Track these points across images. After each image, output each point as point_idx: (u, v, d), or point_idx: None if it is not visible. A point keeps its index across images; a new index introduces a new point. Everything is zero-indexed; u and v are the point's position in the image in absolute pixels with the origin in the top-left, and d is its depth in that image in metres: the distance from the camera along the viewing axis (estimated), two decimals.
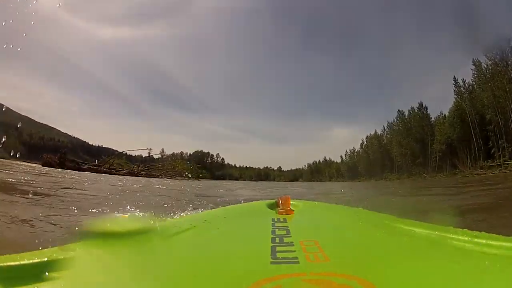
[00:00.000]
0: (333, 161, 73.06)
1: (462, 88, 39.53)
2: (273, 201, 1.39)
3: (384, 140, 57.28)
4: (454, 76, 40.27)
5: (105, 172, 22.77)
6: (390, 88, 77.76)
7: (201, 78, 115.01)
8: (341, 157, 69.46)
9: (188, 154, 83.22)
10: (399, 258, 0.64)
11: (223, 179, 70.35)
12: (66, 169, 19.72)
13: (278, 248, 0.68)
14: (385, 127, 57.04)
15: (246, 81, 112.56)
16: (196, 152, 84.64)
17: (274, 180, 75.68)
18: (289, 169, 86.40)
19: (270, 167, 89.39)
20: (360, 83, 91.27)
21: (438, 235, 0.75)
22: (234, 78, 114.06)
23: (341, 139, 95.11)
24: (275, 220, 1.00)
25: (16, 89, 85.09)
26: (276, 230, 0.85)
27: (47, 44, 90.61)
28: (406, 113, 52.02)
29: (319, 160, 77.75)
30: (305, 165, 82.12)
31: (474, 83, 37.98)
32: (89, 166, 25.11)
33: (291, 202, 1.31)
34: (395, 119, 54.19)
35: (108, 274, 0.57)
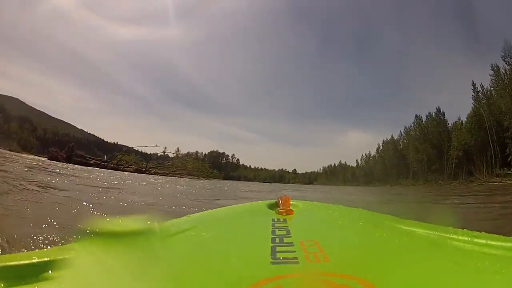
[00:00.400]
0: (349, 165, 72.46)
1: (480, 94, 38.53)
2: (273, 201, 1.39)
3: (400, 145, 56.35)
4: (473, 81, 39.33)
5: (112, 168, 22.63)
6: (407, 93, 77.02)
7: (219, 79, 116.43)
8: (357, 161, 68.85)
9: (203, 154, 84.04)
10: (399, 258, 0.64)
11: (238, 179, 70.59)
12: (73, 164, 19.89)
13: (278, 248, 0.68)
14: (402, 132, 56.04)
15: (263, 83, 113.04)
16: (211, 152, 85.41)
17: (288, 183, 75.38)
18: (304, 171, 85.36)
19: (285, 169, 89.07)
20: (377, 88, 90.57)
21: (438, 235, 0.76)
22: (251, 80, 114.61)
23: (357, 144, 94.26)
24: (275, 220, 1.01)
25: (33, 86, 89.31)
26: (276, 230, 0.86)
27: (66, 43, 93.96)
28: (424, 118, 50.92)
29: (335, 164, 77.09)
30: (320, 168, 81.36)
31: (492, 88, 36.96)
32: (96, 162, 24.77)
33: (291, 202, 1.31)
34: (412, 124, 53.38)
35: (108, 274, 0.57)
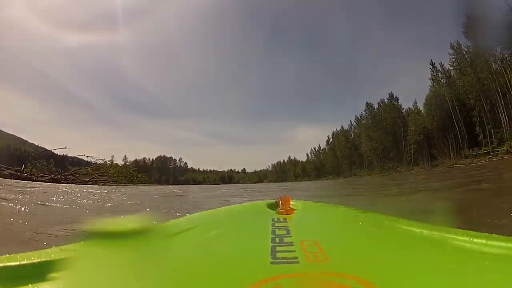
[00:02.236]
0: (299, 160, 69.70)
1: (440, 74, 36.13)
2: (273, 201, 1.37)
3: (351, 136, 53.65)
4: (431, 61, 36.78)
5: (26, 179, 20.24)
6: (357, 85, 76.61)
7: (166, 83, 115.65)
8: (307, 155, 65.64)
9: (151, 159, 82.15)
10: (399, 258, 0.64)
11: (186, 183, 68.87)
12: None
13: (278, 248, 0.67)
14: (352, 122, 53.72)
15: (210, 85, 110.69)
16: (159, 157, 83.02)
17: (238, 183, 71.27)
18: (254, 170, 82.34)
19: (234, 170, 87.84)
20: (326, 82, 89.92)
21: (438, 235, 0.75)
22: (199, 82, 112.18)
23: (306, 139, 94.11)
24: (275, 220, 0.99)
25: None
26: (276, 230, 0.85)
27: (13, 52, 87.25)
28: (376, 106, 48.26)
29: (284, 160, 74.10)
30: (269, 166, 77.46)
31: (452, 68, 34.70)
32: (11, 172, 22.51)
33: (291, 202, 1.29)
34: (363, 112, 50.77)
35: (108, 274, 0.57)
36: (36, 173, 24.94)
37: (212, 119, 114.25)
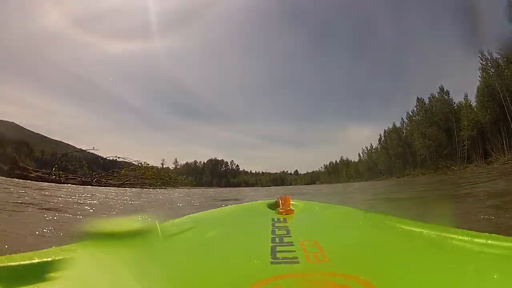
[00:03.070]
0: (351, 160, 68.03)
1: (489, 63, 33.23)
2: (273, 201, 1.38)
3: (403, 133, 51.02)
4: (481, 51, 34.05)
5: (54, 181, 19.60)
6: (407, 80, 72.47)
7: (216, 87, 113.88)
8: (359, 155, 63.99)
9: (202, 162, 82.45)
10: (399, 258, 0.65)
11: (238, 186, 69.22)
12: (12, 178, 17.20)
13: (278, 248, 0.69)
14: (404, 119, 50.94)
15: (261, 87, 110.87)
16: (210, 160, 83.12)
17: (290, 184, 71.52)
18: (306, 172, 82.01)
19: (287, 171, 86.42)
20: (375, 79, 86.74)
21: (438, 235, 0.75)
22: (249, 85, 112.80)
23: (358, 138, 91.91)
24: (275, 220, 1.01)
25: (29, 108, 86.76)
26: (276, 230, 0.86)
27: (59, 62, 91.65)
28: (427, 101, 45.59)
29: (336, 161, 72.82)
30: (321, 167, 76.95)
31: (499, 56, 31.86)
32: (39, 174, 21.75)
33: (291, 202, 1.30)
34: (415, 108, 48.04)
35: (108, 274, 0.58)
36: (65, 175, 24.22)
37: (263, 121, 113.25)
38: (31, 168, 23.79)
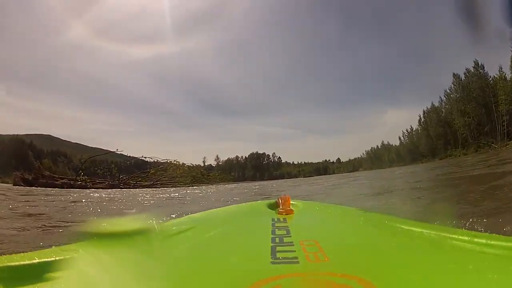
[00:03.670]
0: (392, 144, 65.63)
1: None
2: (273, 201, 1.37)
3: (443, 112, 48.68)
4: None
5: (80, 187, 20.00)
6: (440, 56, 66.93)
7: (247, 81, 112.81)
8: (399, 138, 61.84)
9: (244, 157, 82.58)
10: (399, 258, 0.65)
11: (282, 178, 69.40)
12: (37, 187, 17.85)
13: (278, 248, 0.69)
14: (442, 97, 48.31)
15: (291, 77, 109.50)
16: (252, 154, 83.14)
17: (333, 173, 71.21)
18: (348, 159, 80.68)
19: (329, 160, 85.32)
20: (408, 62, 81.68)
21: (438, 235, 0.75)
22: (280, 76, 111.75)
23: (398, 121, 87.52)
24: (275, 220, 1.00)
25: (63, 120, 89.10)
26: (276, 230, 0.86)
27: (86, 72, 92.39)
28: (462, 77, 43.03)
29: (377, 146, 70.75)
30: (363, 153, 75.38)
31: None
32: (64, 181, 22.20)
33: (291, 202, 1.29)
34: (452, 85, 45.49)
35: (108, 274, 0.58)
36: (91, 180, 23.73)
37: (298, 111, 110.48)
38: (56, 176, 23.85)
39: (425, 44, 74.83)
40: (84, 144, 61.37)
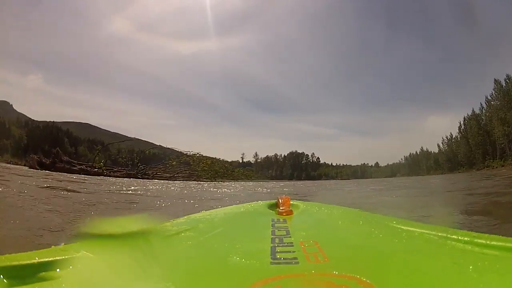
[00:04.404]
0: (431, 151, 63.28)
1: None
2: (273, 201, 1.39)
3: (483, 120, 46.18)
4: None
5: (96, 174, 20.28)
6: (483, 61, 61.31)
7: (290, 79, 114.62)
8: (438, 145, 59.37)
9: (283, 155, 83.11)
10: (399, 259, 0.64)
11: (318, 179, 69.03)
12: (54, 171, 18.16)
13: (277, 249, 0.68)
14: (483, 104, 45.84)
15: (335, 78, 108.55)
16: (291, 153, 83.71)
17: (371, 177, 70.23)
18: (386, 164, 78.68)
19: (367, 164, 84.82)
20: (449, 65, 75.87)
21: (438, 236, 0.74)
22: (322, 76, 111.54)
23: (438, 127, 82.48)
24: (275, 220, 1.01)
25: (104, 110, 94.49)
26: (276, 230, 0.86)
27: (130, 64, 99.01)
28: (503, 83, 40.70)
29: (416, 152, 68.17)
30: (401, 159, 72.82)
31: None
32: (82, 168, 22.26)
33: (291, 203, 1.30)
34: (493, 91, 43.10)
35: (108, 274, 0.57)
36: (107, 168, 23.26)
37: (340, 112, 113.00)
38: (74, 161, 23.81)
39: (470, 47, 69.05)
40: (123, 134, 61.49)
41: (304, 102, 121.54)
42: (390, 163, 79.37)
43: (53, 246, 0.71)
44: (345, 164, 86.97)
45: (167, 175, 25.05)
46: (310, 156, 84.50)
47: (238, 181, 24.51)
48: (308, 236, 0.78)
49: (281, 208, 1.20)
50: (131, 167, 27.72)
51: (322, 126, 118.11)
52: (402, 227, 0.86)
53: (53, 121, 57.07)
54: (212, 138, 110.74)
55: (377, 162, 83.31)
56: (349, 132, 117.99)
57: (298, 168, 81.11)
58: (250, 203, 1.49)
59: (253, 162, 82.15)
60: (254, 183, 23.17)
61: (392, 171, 73.90)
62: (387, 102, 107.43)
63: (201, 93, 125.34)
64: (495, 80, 43.87)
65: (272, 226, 0.91)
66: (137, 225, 0.72)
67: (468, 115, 51.36)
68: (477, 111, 49.08)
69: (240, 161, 78.31)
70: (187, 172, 26.62)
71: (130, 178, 19.80)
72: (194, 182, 19.43)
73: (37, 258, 0.60)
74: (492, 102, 44.44)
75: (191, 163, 28.66)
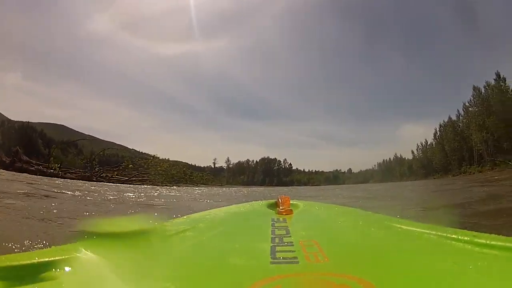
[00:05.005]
0: (405, 158, 63.23)
1: None
2: (273, 201, 1.38)
3: (459, 127, 46.04)
4: None
5: (51, 175, 20.05)
6: (461, 68, 63.96)
7: (269, 85, 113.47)
8: (412, 152, 59.76)
9: (255, 161, 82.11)
10: (399, 258, 0.65)
11: (290, 185, 68.29)
12: (11, 171, 18.05)
13: (277, 248, 0.69)
14: (460, 111, 45.94)
15: (313, 86, 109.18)
16: (263, 159, 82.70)
17: (343, 183, 69.38)
18: (359, 170, 79.15)
19: (340, 170, 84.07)
20: (427, 76, 79.98)
21: (438, 235, 0.75)
22: (301, 83, 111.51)
23: (413, 134, 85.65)
24: (275, 220, 1.01)
25: (79, 110, 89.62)
26: (276, 230, 0.86)
27: (108, 65, 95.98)
28: (482, 90, 40.66)
29: (390, 158, 68.52)
30: (374, 165, 73.02)
31: None
32: (38, 168, 22.54)
33: (290, 202, 1.28)
34: (471, 98, 43.09)
35: (108, 274, 0.58)
36: (65, 169, 23.40)
37: (317, 120, 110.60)
38: (33, 161, 23.74)
39: (446, 56, 71.83)
40: (97, 137, 60.86)
41: (280, 109, 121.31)
42: (363, 169, 79.57)
43: (53, 246, 0.72)
44: (318, 170, 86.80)
45: (124, 178, 24.41)
46: (282, 162, 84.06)
47: (198, 186, 23.69)
48: (308, 235, 0.79)
49: (281, 207, 1.20)
50: (89, 169, 27.15)
51: (297, 133, 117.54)
52: (402, 226, 0.86)
53: (28, 122, 55.13)
54: (187, 142, 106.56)
55: (350, 169, 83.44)
56: (323, 140, 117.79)
57: (270, 174, 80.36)
58: (250, 202, 1.52)
59: (225, 167, 79.16)
60: (218, 190, 21.12)
61: (365, 177, 73.96)
62: (362, 110, 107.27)
63: (177, 96, 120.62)
64: (474, 87, 44.37)
65: (272, 226, 0.91)
66: (137, 225, 0.75)
67: (444, 121, 52.01)
68: (454, 117, 49.53)
69: (213, 166, 75.68)
70: (145, 175, 25.82)
71: (83, 180, 19.02)
72: (145, 186, 18.60)
73: (37, 258, 0.60)
74: (470, 109, 45.00)
75: (145, 166, 27.45)
